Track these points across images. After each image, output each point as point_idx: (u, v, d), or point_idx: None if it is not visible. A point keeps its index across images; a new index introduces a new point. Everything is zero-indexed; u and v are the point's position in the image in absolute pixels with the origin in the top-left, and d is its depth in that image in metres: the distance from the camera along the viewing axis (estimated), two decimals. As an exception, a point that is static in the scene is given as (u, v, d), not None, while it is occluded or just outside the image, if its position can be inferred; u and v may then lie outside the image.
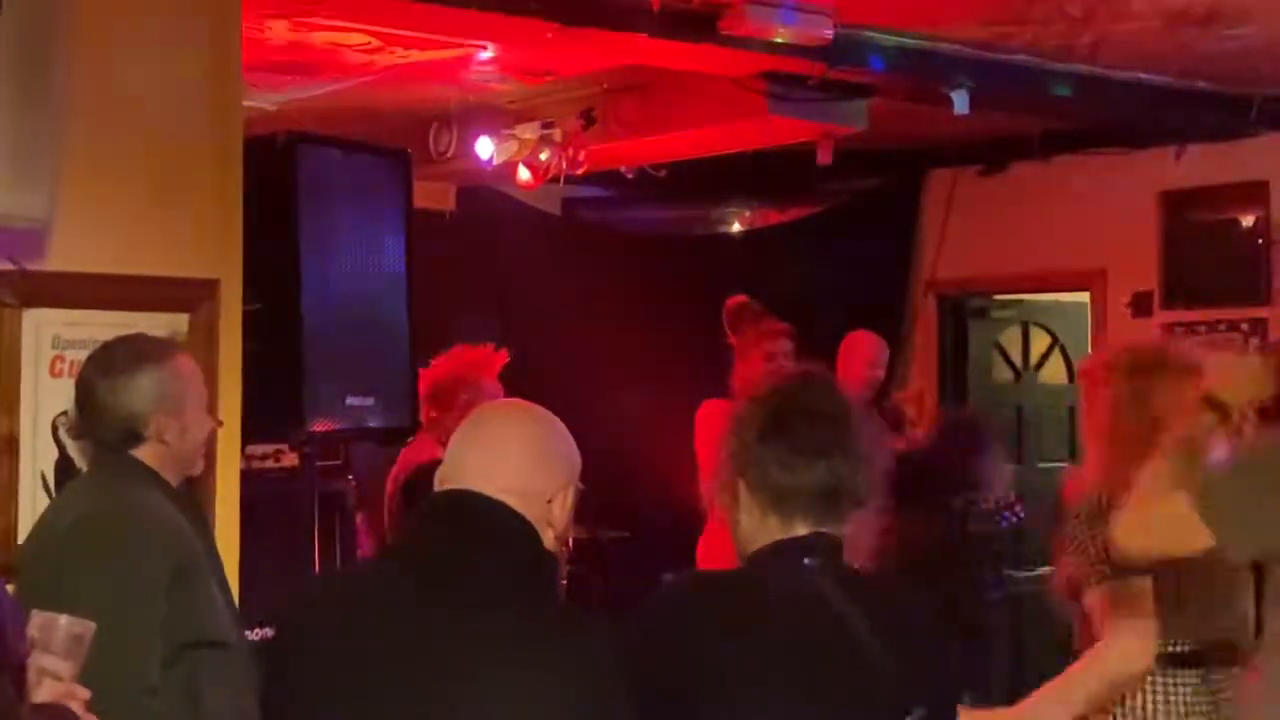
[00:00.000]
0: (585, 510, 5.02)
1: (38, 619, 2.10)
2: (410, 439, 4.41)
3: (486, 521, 2.17)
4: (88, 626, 2.11)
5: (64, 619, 2.09)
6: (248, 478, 3.76)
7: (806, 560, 2.26)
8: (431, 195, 6.96)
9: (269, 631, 3.91)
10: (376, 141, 4.23)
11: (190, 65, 3.50)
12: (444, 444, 4.55)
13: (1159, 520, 2.68)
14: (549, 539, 2.24)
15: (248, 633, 3.71)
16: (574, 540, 4.95)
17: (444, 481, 2.25)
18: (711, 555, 5.32)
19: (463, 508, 2.19)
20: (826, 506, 2.27)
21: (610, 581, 6.26)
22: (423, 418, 4.88)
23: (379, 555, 2.65)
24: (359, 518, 5.08)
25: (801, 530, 2.28)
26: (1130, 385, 3.20)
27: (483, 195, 7.18)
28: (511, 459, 2.21)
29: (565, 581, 5.21)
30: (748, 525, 2.31)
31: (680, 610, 2.29)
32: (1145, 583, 3.03)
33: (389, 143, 6.68)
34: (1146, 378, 3.19)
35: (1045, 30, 5.10)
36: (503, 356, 5.00)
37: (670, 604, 2.32)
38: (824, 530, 2.28)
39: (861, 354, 5.88)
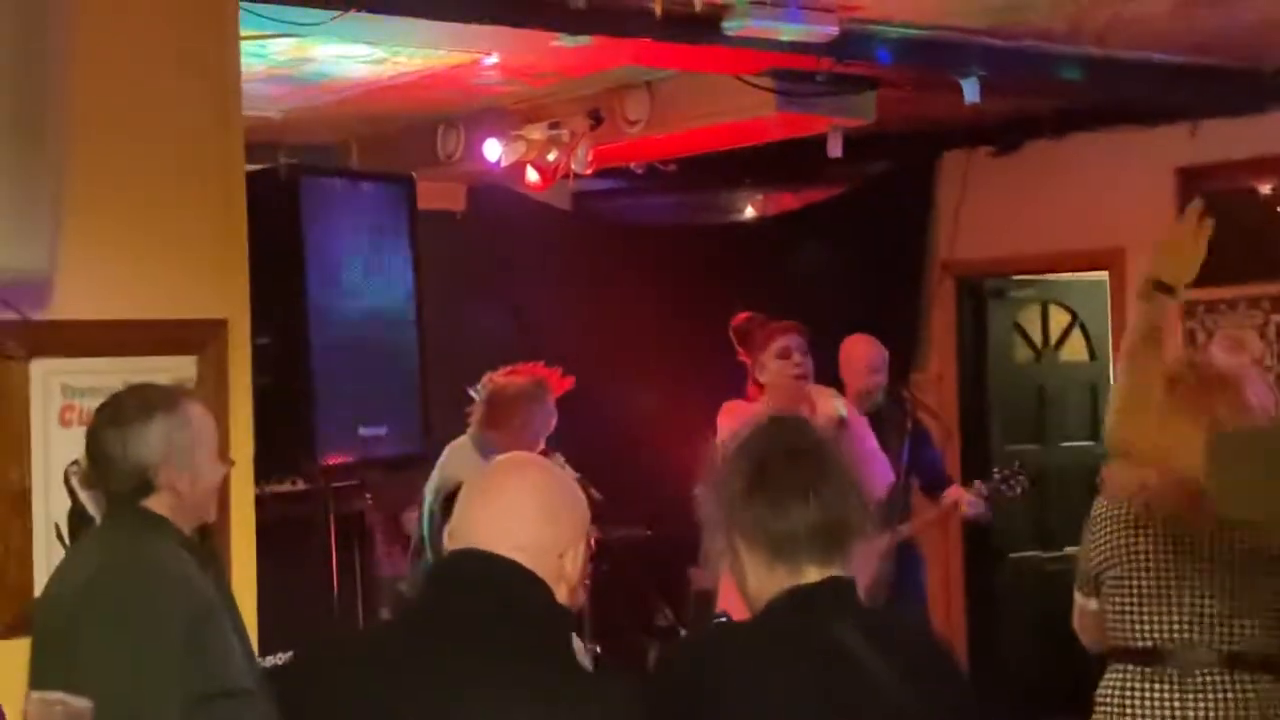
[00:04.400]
0: (605, 508, 5.04)
1: (35, 699, 2.10)
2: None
3: (499, 582, 2.16)
4: (86, 706, 2.11)
5: (61, 699, 2.09)
6: (263, 501, 3.76)
7: (824, 614, 2.25)
8: (442, 196, 6.94)
9: (288, 656, 3.94)
10: (380, 166, 4.21)
11: (189, 106, 3.48)
12: (485, 457, 4.61)
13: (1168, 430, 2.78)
14: (562, 594, 2.23)
15: (266, 658, 3.73)
16: (595, 539, 4.98)
17: (454, 540, 2.24)
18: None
19: (475, 568, 2.18)
20: (829, 544, 2.25)
21: (630, 580, 6.25)
22: (472, 422, 4.91)
23: (394, 618, 2.65)
24: (378, 535, 5.09)
25: (812, 576, 2.26)
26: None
27: (493, 194, 7.15)
28: (523, 517, 2.20)
29: (588, 582, 5.25)
30: (756, 580, 2.29)
31: (697, 667, 2.27)
32: None
33: (395, 145, 6.74)
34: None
35: (1053, 16, 5.04)
36: (568, 382, 5.02)
37: (687, 661, 2.30)
38: (834, 573, 2.27)
39: (860, 360, 5.83)
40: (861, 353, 5.89)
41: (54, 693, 2.08)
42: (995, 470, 5.90)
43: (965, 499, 5.74)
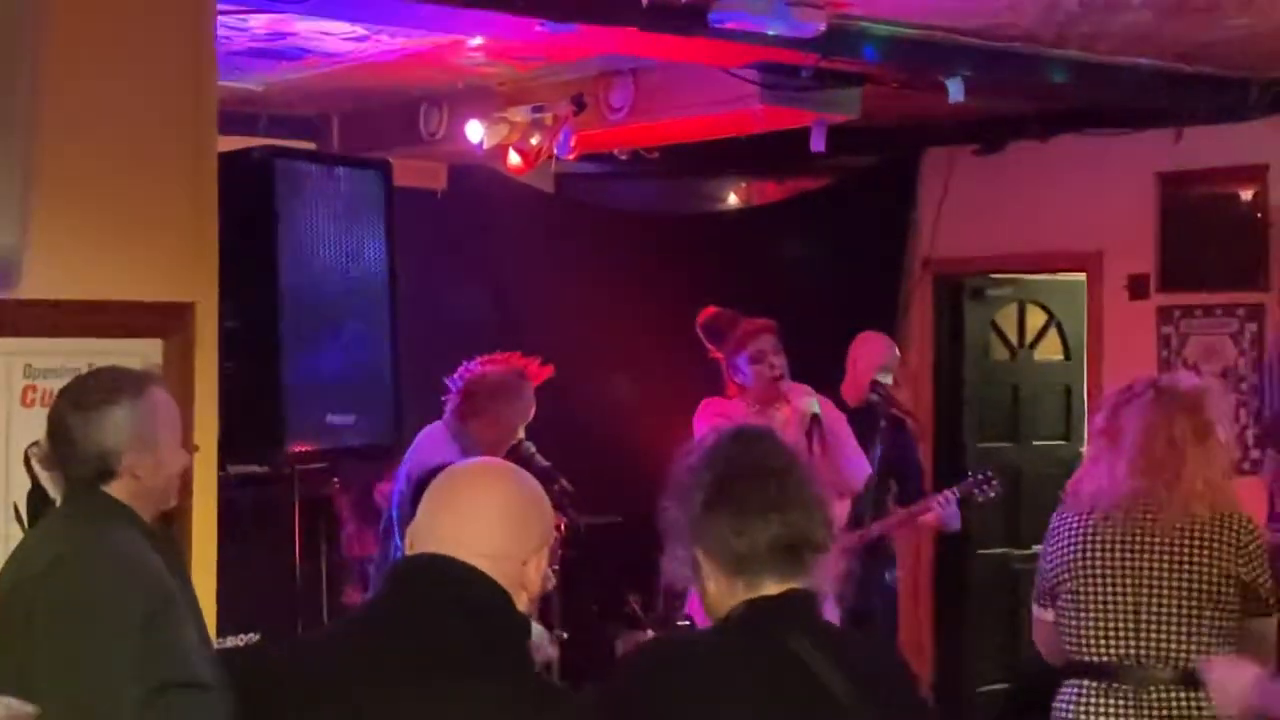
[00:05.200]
0: (576, 494, 5.00)
1: None
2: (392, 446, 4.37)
3: (459, 589, 2.15)
4: (31, 711, 2.08)
5: (4, 702, 2.06)
6: (227, 482, 3.73)
7: (781, 627, 2.24)
8: (423, 174, 6.91)
9: (247, 638, 3.92)
10: (361, 142, 4.17)
11: (162, 86, 3.44)
12: (461, 446, 4.59)
13: None
14: (523, 601, 2.23)
15: (228, 639, 3.71)
16: (565, 525, 4.97)
17: (415, 544, 2.23)
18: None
19: (435, 575, 2.17)
20: (789, 561, 2.25)
21: (600, 567, 6.24)
22: (448, 411, 4.90)
23: (350, 620, 2.63)
24: (348, 518, 5.07)
25: (771, 589, 2.25)
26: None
27: (475, 173, 7.11)
28: (485, 524, 2.19)
29: (556, 567, 5.24)
30: (715, 592, 2.29)
31: (650, 676, 2.26)
32: None
33: (377, 122, 6.69)
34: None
35: (1041, 20, 5.02)
36: (547, 371, 5.00)
37: (641, 672, 2.29)
38: (794, 586, 2.26)
39: (873, 358, 5.81)
40: (875, 350, 5.86)
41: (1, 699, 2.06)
42: (968, 474, 5.90)
43: (943, 517, 5.72)
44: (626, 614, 6.41)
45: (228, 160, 3.58)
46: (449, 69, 5.93)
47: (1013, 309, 7.63)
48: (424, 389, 5.23)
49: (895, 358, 5.92)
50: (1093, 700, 3.28)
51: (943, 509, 5.66)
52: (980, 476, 5.78)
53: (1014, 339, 7.65)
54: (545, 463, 4.87)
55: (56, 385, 2.98)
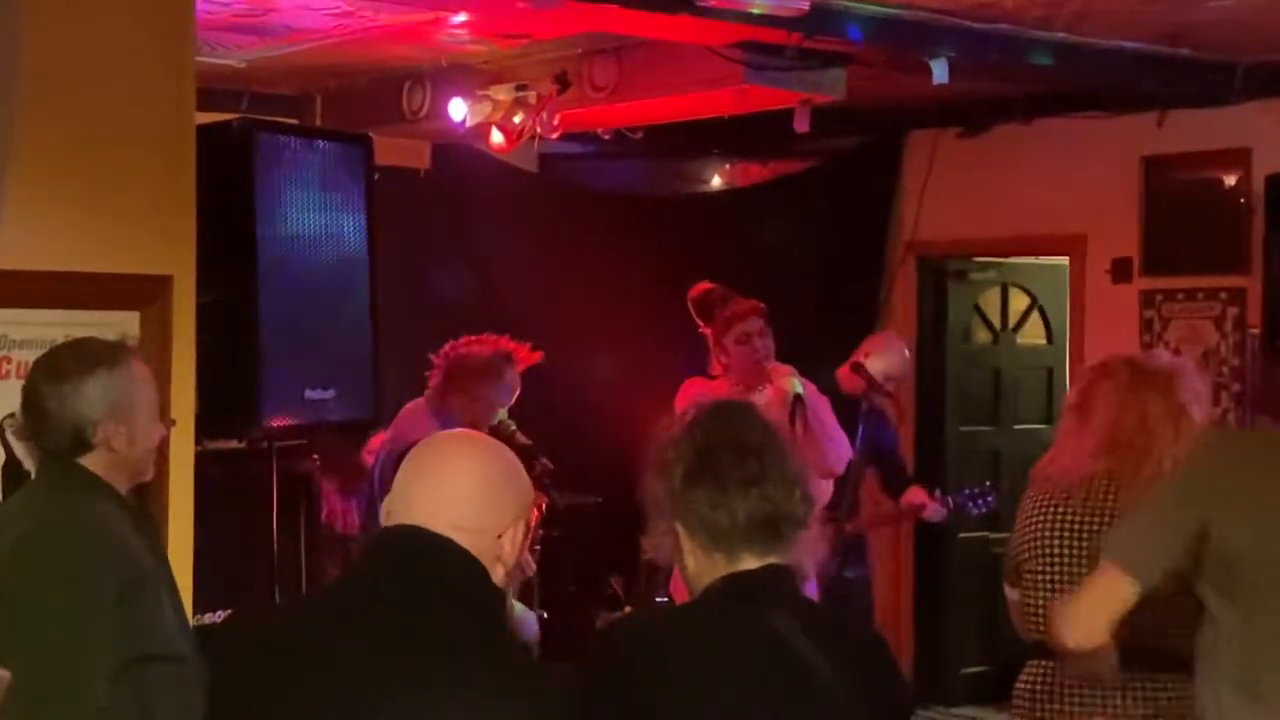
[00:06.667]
0: (558, 473, 4.98)
1: None
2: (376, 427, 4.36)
3: (434, 561, 2.13)
4: (2, 675, 2.07)
5: None
6: (205, 458, 3.71)
7: (759, 602, 2.23)
8: (405, 153, 6.89)
9: (223, 615, 3.90)
10: (344, 120, 4.15)
11: (141, 57, 3.41)
12: (441, 421, 4.58)
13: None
14: (499, 575, 2.20)
15: (204, 615, 3.70)
16: (545, 504, 4.96)
17: (390, 516, 2.21)
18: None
19: (410, 546, 2.15)
20: (768, 535, 2.24)
21: (580, 547, 6.24)
22: (430, 385, 4.88)
23: (324, 592, 2.61)
24: (330, 494, 5.05)
25: (750, 564, 2.25)
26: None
27: (458, 152, 7.09)
28: (461, 496, 2.16)
29: (538, 546, 5.23)
30: (695, 567, 2.29)
31: (630, 653, 2.25)
32: None
33: (360, 100, 6.67)
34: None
35: (1027, 1, 5.01)
36: (535, 357, 4.98)
37: (619, 647, 2.28)
38: (773, 561, 2.25)
39: (879, 355, 5.77)
40: (885, 349, 5.82)
41: None
42: (966, 489, 5.89)
43: (930, 509, 5.72)
44: (607, 594, 6.42)
45: (207, 133, 3.56)
46: (432, 46, 5.91)
47: (995, 292, 7.63)
48: (406, 367, 5.21)
49: (904, 362, 5.86)
50: (1049, 679, 3.28)
51: (936, 508, 5.69)
52: (976, 490, 5.79)
53: (996, 322, 7.66)
54: (526, 441, 4.86)
55: (32, 357, 2.96)
